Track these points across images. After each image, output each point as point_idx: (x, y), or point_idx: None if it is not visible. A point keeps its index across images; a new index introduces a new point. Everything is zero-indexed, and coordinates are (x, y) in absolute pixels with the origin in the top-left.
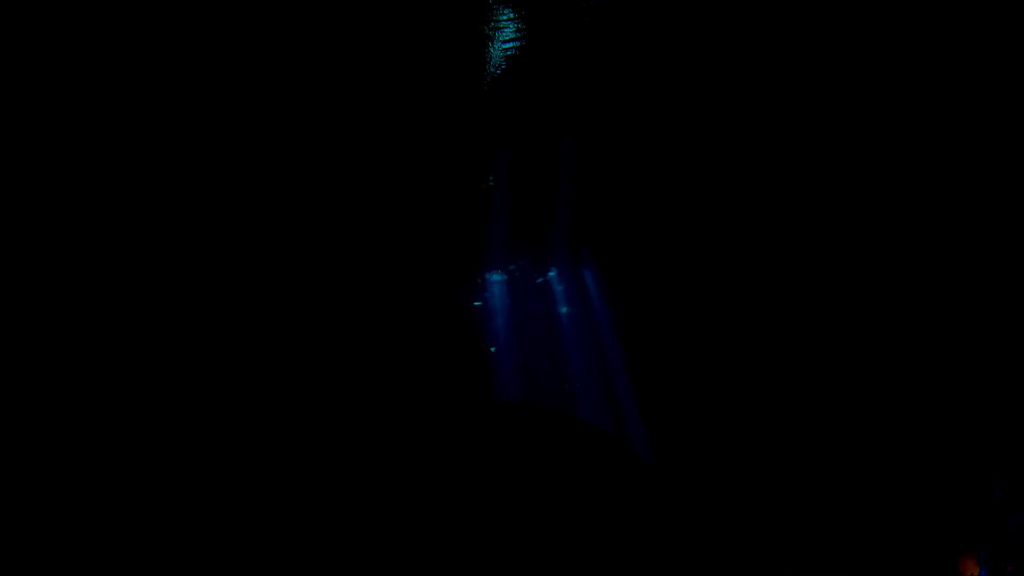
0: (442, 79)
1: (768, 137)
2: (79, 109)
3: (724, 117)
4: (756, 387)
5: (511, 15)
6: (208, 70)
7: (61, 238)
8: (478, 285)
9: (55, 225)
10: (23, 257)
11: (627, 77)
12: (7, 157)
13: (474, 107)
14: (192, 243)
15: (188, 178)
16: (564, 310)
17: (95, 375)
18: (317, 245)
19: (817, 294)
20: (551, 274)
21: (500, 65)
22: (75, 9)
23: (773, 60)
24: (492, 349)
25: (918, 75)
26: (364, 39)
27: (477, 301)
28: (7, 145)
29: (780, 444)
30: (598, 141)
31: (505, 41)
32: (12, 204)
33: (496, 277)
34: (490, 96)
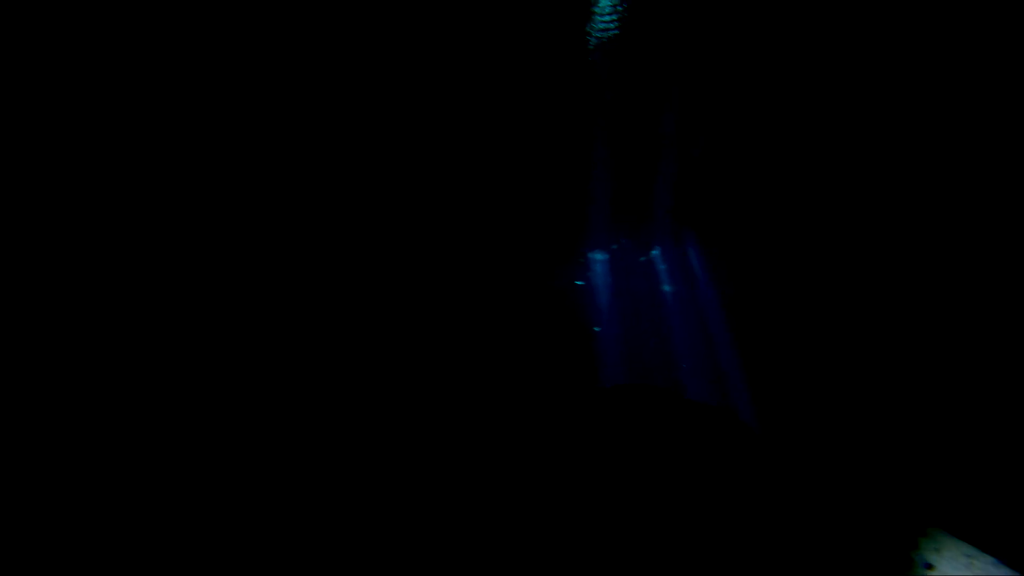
0: (542, 58)
1: (875, 111)
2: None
3: (830, 93)
4: (867, 366)
5: None
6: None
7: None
8: (581, 264)
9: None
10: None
11: (730, 53)
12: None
13: (575, 86)
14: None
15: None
16: (668, 288)
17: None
18: (420, 225)
19: (931, 277)
20: (654, 253)
21: (601, 42)
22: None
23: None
24: (596, 328)
25: None
26: (462, 18)
27: (579, 280)
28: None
29: (894, 427)
30: (701, 118)
31: (605, 17)
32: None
33: (599, 256)
34: (592, 75)
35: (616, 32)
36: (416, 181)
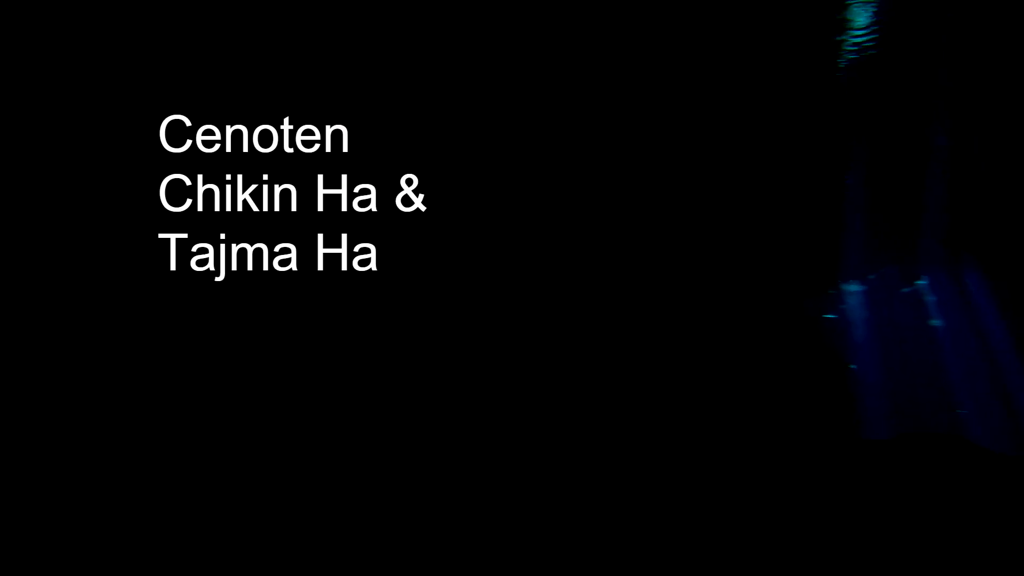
0: (791, 69)
1: None
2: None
3: None
4: None
5: None
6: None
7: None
8: (832, 296)
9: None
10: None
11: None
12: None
13: (828, 99)
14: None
15: None
16: (939, 323)
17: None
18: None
19: None
20: (921, 282)
21: (857, 57)
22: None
23: None
24: (852, 366)
25: None
26: (709, 27)
27: (831, 314)
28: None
29: None
30: (982, 127)
31: (862, 31)
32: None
33: (853, 287)
34: (846, 91)
35: (874, 44)
36: (661, 203)
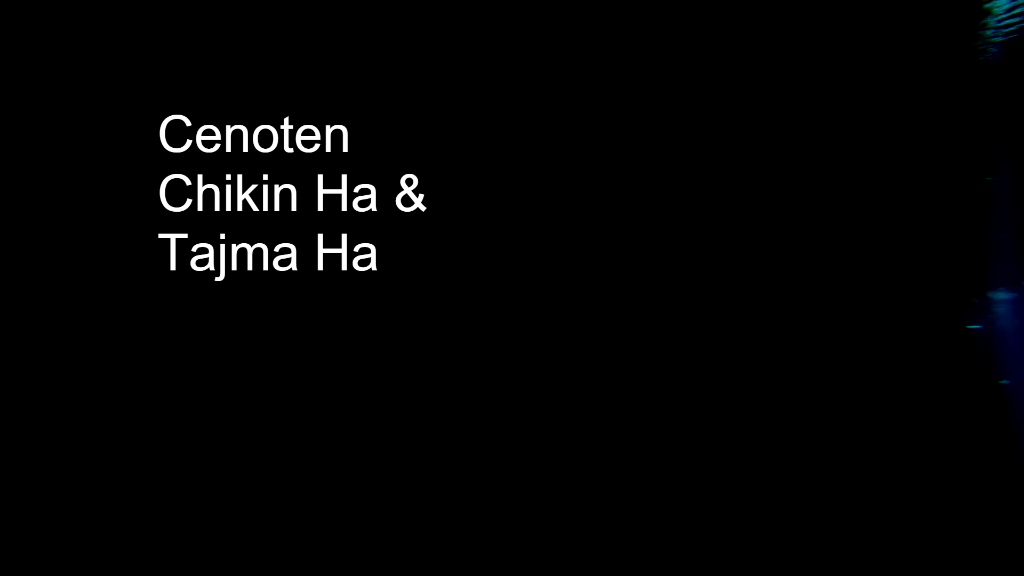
0: (928, 59)
1: None
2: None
3: None
4: None
5: None
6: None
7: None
8: (977, 305)
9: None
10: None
11: None
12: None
13: (969, 90)
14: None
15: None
16: None
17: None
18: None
19: None
20: None
21: (1000, 33)
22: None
23: None
24: (1004, 381)
25: None
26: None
27: (975, 324)
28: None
29: None
30: None
31: (1004, 15)
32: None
33: (1003, 295)
34: (988, 75)
35: (1018, 28)
36: (789, 204)
